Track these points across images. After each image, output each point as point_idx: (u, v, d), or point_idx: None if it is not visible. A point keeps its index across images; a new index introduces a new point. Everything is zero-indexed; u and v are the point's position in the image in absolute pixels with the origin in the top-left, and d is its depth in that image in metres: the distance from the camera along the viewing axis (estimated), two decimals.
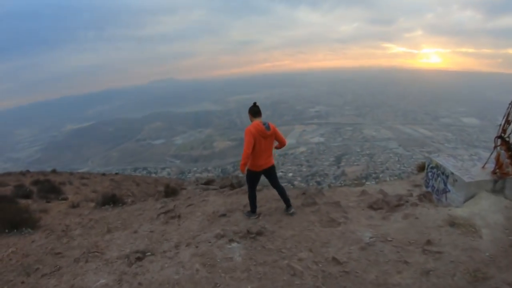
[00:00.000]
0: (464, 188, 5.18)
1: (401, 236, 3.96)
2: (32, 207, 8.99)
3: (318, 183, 57.95)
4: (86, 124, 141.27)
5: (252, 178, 5.02)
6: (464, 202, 5.15)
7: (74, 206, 9.53)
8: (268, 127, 4.71)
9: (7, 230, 6.40)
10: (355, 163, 71.16)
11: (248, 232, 4.37)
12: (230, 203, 6.27)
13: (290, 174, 66.25)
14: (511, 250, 3.46)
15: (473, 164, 5.87)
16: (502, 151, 4.99)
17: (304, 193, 6.03)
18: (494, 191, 5.05)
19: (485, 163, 5.62)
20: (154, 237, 4.97)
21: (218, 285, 3.34)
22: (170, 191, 8.71)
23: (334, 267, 3.46)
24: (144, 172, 73.43)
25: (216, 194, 7.57)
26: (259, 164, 4.82)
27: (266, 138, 4.72)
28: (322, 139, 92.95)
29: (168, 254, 4.15)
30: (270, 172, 5.04)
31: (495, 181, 5.08)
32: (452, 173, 5.53)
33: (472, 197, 5.13)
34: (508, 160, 4.87)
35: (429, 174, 6.52)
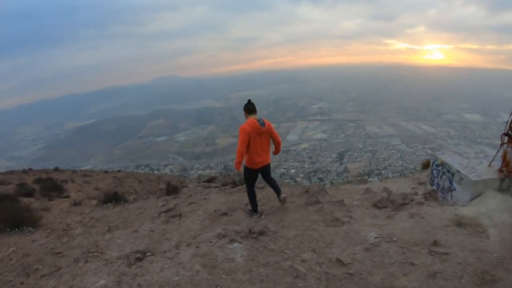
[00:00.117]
0: (470, 187, 5.08)
1: (406, 237, 3.86)
2: (34, 206, 9.00)
3: (321, 179, 57.96)
4: (89, 122, 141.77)
5: (249, 176, 5.02)
6: (471, 201, 5.06)
7: (76, 204, 9.51)
8: (263, 124, 4.69)
9: (8, 229, 6.40)
10: (358, 160, 71.14)
11: (250, 231, 4.29)
12: (232, 202, 6.21)
13: (293, 171, 66.27)
14: None
15: (479, 162, 5.77)
16: (509, 149, 4.88)
17: (307, 191, 5.96)
18: (501, 189, 4.95)
19: (492, 161, 5.52)
20: (154, 236, 4.91)
21: (219, 287, 3.26)
22: (172, 189, 8.68)
23: (338, 269, 3.37)
24: (147, 169, 73.53)
25: (217, 192, 7.52)
26: (256, 162, 4.80)
27: (261, 134, 4.71)
28: (324, 136, 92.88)
29: (168, 254, 4.08)
30: (266, 170, 5.07)
31: (502, 180, 4.99)
32: (458, 171, 5.43)
33: (478, 196, 5.03)
34: None
35: (434, 172, 6.42)
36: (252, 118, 4.72)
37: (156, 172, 62.75)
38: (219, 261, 3.71)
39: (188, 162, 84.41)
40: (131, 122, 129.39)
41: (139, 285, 3.42)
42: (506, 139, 4.96)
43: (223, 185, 9.43)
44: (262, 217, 5.08)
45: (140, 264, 3.88)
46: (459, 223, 4.01)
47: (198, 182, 10.95)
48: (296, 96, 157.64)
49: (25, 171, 19.90)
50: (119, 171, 29.03)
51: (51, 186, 13.00)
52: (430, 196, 5.40)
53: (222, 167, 71.53)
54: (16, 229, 6.42)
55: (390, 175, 47.94)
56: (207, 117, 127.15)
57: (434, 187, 6.30)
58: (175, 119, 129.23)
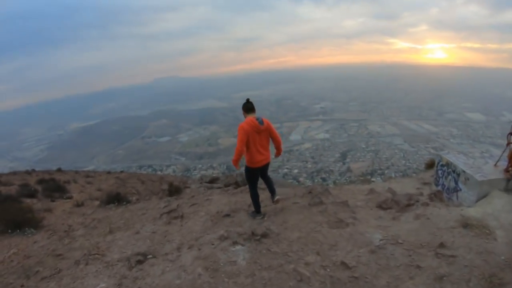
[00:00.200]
0: (476, 187, 5.03)
1: (412, 238, 3.80)
2: (36, 207, 8.96)
3: (324, 179, 57.86)
4: (91, 122, 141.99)
5: (252, 176, 4.99)
6: (476, 201, 5.00)
7: (79, 205, 9.47)
8: (261, 122, 4.68)
9: (10, 230, 6.37)
10: (361, 159, 70.92)
11: (253, 234, 4.23)
12: (235, 203, 6.15)
13: (296, 171, 66.12)
14: None
15: (484, 162, 5.70)
16: None
17: (310, 192, 5.90)
18: (507, 190, 4.89)
19: (497, 161, 5.46)
20: (156, 238, 4.86)
21: None
22: (174, 190, 8.63)
23: (343, 272, 3.30)
24: (150, 169, 73.56)
25: (220, 193, 7.46)
26: (257, 160, 4.79)
27: (260, 133, 4.71)
28: (327, 135, 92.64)
29: (169, 256, 4.03)
30: (265, 168, 5.09)
31: (508, 180, 4.92)
32: (464, 171, 5.37)
33: (484, 196, 4.98)
34: None
35: (439, 172, 6.35)
36: (250, 117, 4.71)
37: (158, 172, 62.81)
38: (221, 264, 3.66)
39: (190, 162, 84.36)
40: (134, 122, 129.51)
41: None
42: None
43: (226, 185, 9.37)
44: (265, 218, 5.02)
45: (141, 267, 3.84)
46: (466, 224, 3.95)
47: (201, 183, 10.91)
48: (298, 96, 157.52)
49: (28, 172, 19.91)
50: (121, 171, 29.05)
51: (53, 187, 12.97)
52: (436, 196, 5.33)
53: (225, 167, 71.43)
54: (18, 230, 6.39)
55: (393, 175, 47.82)
56: (209, 117, 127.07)
57: (439, 188, 6.23)
58: (178, 119, 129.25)
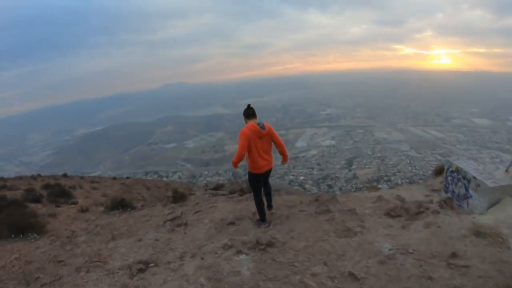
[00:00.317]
0: (487, 194, 4.89)
1: (423, 248, 3.65)
2: (41, 212, 8.95)
3: (330, 186, 57.65)
4: (98, 128, 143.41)
5: (255, 182, 4.93)
6: (488, 208, 4.87)
7: (83, 210, 9.45)
8: (263, 127, 4.65)
9: (13, 235, 6.36)
10: (367, 166, 70.68)
11: (258, 242, 4.11)
12: (239, 210, 6.04)
13: (301, 178, 66.07)
14: None
15: (495, 168, 5.57)
16: None
17: (317, 199, 5.77)
18: None
19: (509, 166, 5.31)
20: (158, 246, 4.77)
21: None
22: (179, 197, 8.55)
23: (351, 284, 3.17)
24: (155, 176, 73.89)
25: (225, 200, 7.37)
26: (260, 166, 4.74)
27: (261, 138, 4.69)
28: (333, 142, 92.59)
29: (172, 265, 3.93)
30: (267, 174, 5.07)
31: None
32: (475, 178, 5.23)
33: (496, 203, 4.85)
34: None
35: (449, 178, 6.21)
36: (252, 122, 4.70)
37: (164, 179, 63.00)
38: (225, 274, 3.53)
39: (196, 169, 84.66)
40: (140, 128, 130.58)
41: None
42: None
43: (231, 192, 9.26)
44: (270, 227, 4.91)
45: (143, 276, 3.74)
46: (478, 232, 3.80)
47: (206, 190, 10.82)
48: (305, 102, 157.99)
49: (33, 177, 20.04)
50: (127, 177, 29.14)
51: (59, 192, 12.97)
52: (446, 204, 5.16)
53: (231, 174, 71.44)
54: (21, 235, 6.38)
55: (400, 182, 47.40)
56: (215, 124, 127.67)
57: (449, 194, 6.08)
58: (184, 125, 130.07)
